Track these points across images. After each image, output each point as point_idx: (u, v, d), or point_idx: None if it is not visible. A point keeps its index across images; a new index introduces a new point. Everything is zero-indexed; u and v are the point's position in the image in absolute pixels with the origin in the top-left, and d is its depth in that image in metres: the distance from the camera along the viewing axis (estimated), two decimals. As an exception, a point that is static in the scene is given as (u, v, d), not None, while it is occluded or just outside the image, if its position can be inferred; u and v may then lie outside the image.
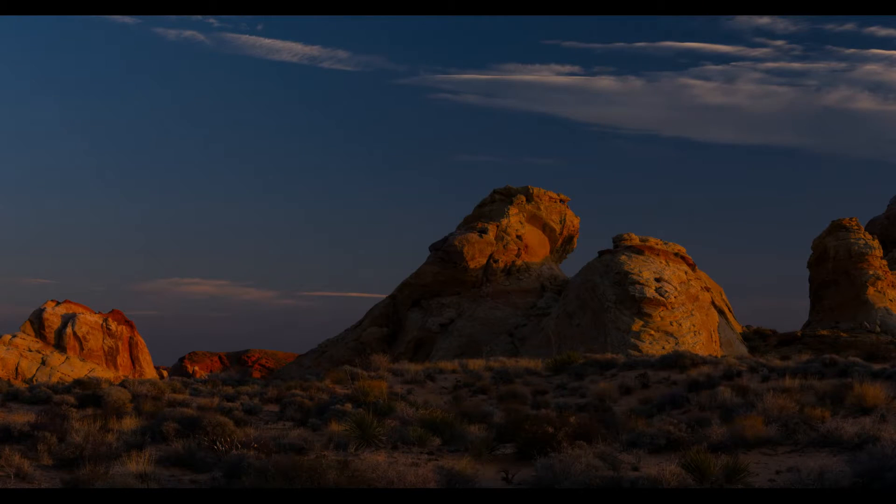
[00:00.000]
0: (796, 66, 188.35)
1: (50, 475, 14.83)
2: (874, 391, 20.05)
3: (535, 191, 75.63)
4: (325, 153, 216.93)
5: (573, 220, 77.88)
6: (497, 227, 71.68)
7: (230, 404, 25.04)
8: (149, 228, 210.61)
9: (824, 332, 67.71)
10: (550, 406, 24.87)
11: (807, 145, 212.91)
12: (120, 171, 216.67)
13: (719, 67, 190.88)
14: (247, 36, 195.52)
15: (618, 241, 66.81)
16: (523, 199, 74.66)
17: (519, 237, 72.42)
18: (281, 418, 23.73)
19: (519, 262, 71.87)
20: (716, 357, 35.44)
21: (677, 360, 30.81)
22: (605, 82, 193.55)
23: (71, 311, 76.96)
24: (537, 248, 74.49)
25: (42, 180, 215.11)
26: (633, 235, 67.85)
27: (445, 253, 70.64)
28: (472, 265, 69.53)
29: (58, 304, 77.82)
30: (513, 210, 73.51)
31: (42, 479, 14.51)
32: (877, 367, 26.98)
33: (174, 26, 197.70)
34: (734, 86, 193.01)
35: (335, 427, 19.70)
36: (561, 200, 77.09)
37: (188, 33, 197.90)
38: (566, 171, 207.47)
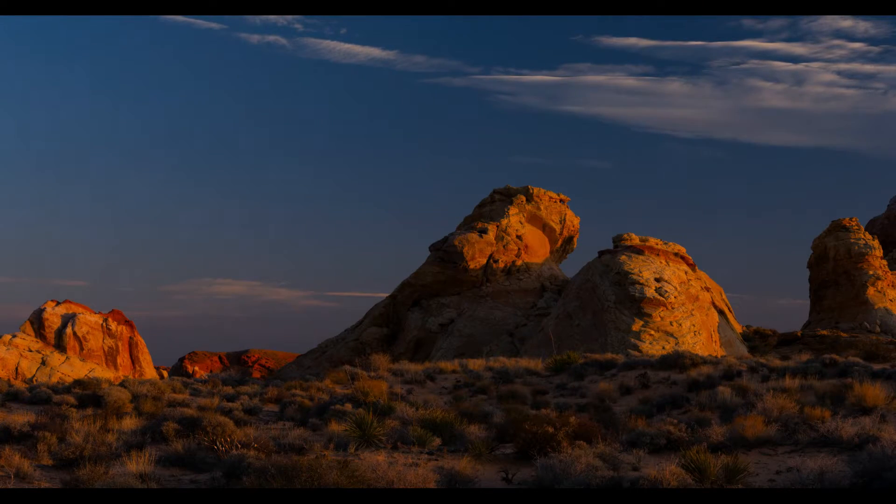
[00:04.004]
0: (868, 68, 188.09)
1: (50, 475, 14.83)
2: (874, 391, 20.05)
3: (535, 191, 75.61)
4: (376, 155, 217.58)
5: (573, 220, 77.86)
6: (497, 227, 71.67)
7: (230, 404, 25.04)
8: (186, 229, 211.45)
9: (824, 332, 67.67)
10: (550, 406, 24.86)
11: (859, 148, 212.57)
12: (164, 172, 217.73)
13: (791, 69, 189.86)
14: (328, 41, 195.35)
15: (618, 241, 66.78)
16: (523, 199, 74.65)
17: (519, 237, 72.40)
18: (281, 418, 23.73)
19: (519, 262, 71.85)
20: (716, 357, 35.41)
21: (677, 360, 30.80)
22: (674, 84, 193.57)
23: (71, 311, 76.93)
24: (537, 248, 74.47)
25: (80, 179, 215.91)
26: (633, 235, 67.81)
27: (445, 253, 70.64)
28: (472, 265, 69.52)
29: (58, 304, 77.78)
30: (513, 210, 73.50)
31: (42, 479, 14.50)
32: (877, 367, 26.99)
33: (258, 31, 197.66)
34: (802, 88, 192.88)
35: (335, 427, 19.70)
36: (561, 200, 77.08)
37: (271, 38, 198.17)
38: (613, 173, 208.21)
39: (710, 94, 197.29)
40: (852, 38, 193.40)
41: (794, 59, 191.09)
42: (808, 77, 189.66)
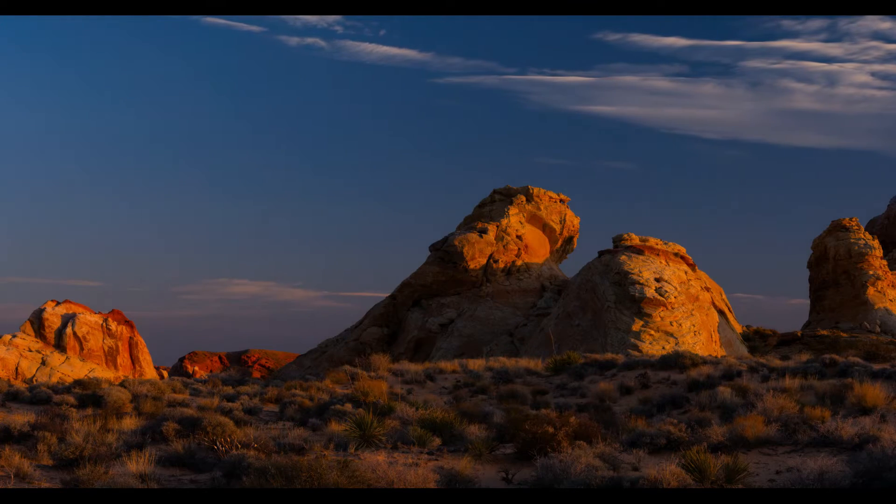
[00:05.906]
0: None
1: (50, 475, 14.83)
2: (874, 391, 20.05)
3: (535, 191, 75.64)
4: (395, 155, 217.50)
5: (573, 220, 77.88)
6: (497, 227, 71.67)
7: (230, 404, 25.04)
8: (204, 230, 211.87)
9: (824, 332, 67.67)
10: (550, 406, 24.86)
11: (883, 149, 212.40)
12: (184, 173, 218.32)
13: (825, 69, 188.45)
14: (366, 43, 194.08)
15: (618, 241, 66.79)
16: (523, 199, 74.66)
17: (519, 237, 72.41)
18: (281, 418, 23.73)
19: (519, 262, 71.85)
20: (716, 357, 35.41)
21: (677, 360, 30.80)
22: (707, 86, 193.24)
23: (71, 311, 76.91)
24: (537, 248, 74.48)
25: (95, 180, 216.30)
26: (633, 235, 67.82)
27: (445, 253, 70.64)
28: (472, 265, 69.52)
29: (58, 304, 77.77)
30: (513, 210, 73.50)
31: (42, 479, 14.50)
32: (877, 367, 26.97)
33: (297, 34, 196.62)
34: (834, 89, 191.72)
35: (335, 427, 19.69)
36: (561, 200, 77.10)
37: (310, 40, 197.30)
38: (633, 174, 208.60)
39: (741, 95, 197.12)
40: (890, 40, 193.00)
41: (829, 59, 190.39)
42: (841, 78, 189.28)
